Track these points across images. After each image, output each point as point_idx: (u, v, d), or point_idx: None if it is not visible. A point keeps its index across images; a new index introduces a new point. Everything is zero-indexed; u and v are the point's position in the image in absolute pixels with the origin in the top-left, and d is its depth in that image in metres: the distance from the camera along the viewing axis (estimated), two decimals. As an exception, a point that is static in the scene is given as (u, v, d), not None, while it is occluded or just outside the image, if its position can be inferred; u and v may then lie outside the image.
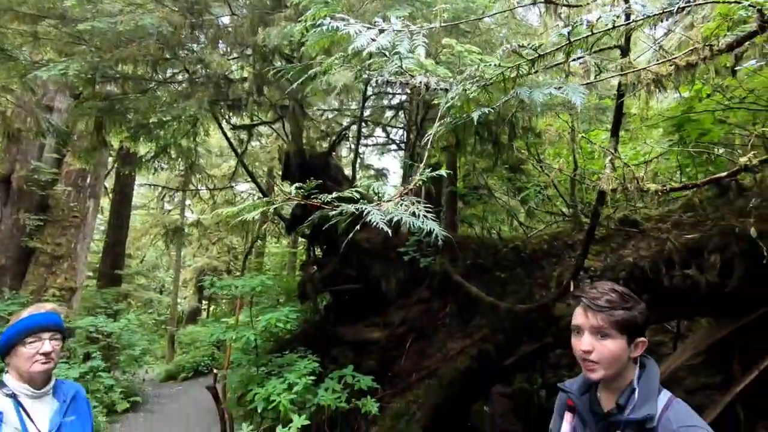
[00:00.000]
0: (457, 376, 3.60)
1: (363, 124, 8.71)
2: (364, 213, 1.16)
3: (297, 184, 1.38)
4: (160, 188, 13.97)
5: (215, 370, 3.93)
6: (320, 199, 1.28)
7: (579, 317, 1.34)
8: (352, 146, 9.15)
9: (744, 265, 3.13)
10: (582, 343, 1.30)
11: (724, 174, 2.11)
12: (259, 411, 2.59)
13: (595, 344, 1.28)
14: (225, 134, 5.73)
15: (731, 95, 5.35)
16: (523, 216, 6.46)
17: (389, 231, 1.29)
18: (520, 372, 5.21)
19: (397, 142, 9.83)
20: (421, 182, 1.37)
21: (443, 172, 1.39)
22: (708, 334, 3.70)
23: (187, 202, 17.06)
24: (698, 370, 4.12)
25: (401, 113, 8.92)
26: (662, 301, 3.36)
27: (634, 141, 6.75)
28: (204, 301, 22.02)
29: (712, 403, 3.49)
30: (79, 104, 5.20)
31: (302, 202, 1.40)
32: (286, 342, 4.68)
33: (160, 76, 4.78)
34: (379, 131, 10.36)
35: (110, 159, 11.23)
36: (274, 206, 1.53)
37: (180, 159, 8.10)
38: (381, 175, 9.99)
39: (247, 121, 6.13)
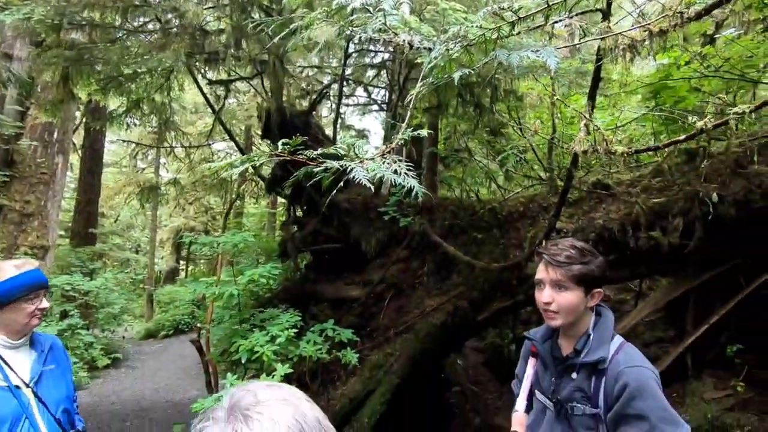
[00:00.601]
0: (433, 331, 3.78)
1: (344, 83, 8.52)
2: (348, 170, 1.19)
3: (283, 140, 1.39)
4: (132, 145, 13.48)
5: (198, 325, 4.00)
6: (305, 155, 1.30)
7: (541, 272, 1.45)
8: (334, 106, 8.98)
9: (704, 228, 3.33)
10: (543, 295, 1.43)
11: (683, 137, 2.21)
12: (243, 362, 2.69)
13: (554, 296, 1.40)
14: (201, 89, 5.53)
15: (708, 64, 5.46)
16: (502, 179, 6.59)
17: (372, 188, 1.33)
18: (492, 327, 5.50)
19: (379, 102, 9.68)
20: (402, 142, 1.39)
21: (424, 132, 1.41)
22: (666, 293, 3.97)
23: (162, 160, 16.58)
24: (656, 325, 4.44)
25: (383, 73, 8.74)
26: (627, 261, 3.56)
27: (613, 107, 6.86)
28: (182, 262, 21.90)
29: (665, 354, 3.80)
30: (42, 53, 4.89)
31: (286, 158, 1.41)
32: (267, 300, 4.77)
33: (130, 25, 4.52)
34: (360, 91, 10.16)
35: (78, 113, 10.72)
36: (260, 162, 1.54)
37: (153, 115, 7.80)
38: (362, 135, 9.89)
39: (224, 76, 5.91)
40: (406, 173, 1.20)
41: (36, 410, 1.71)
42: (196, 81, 5.40)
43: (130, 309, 13.70)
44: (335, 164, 1.24)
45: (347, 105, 10.81)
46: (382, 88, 9.35)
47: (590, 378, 1.38)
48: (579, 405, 1.39)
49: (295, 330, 3.08)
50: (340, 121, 8.39)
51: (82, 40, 4.90)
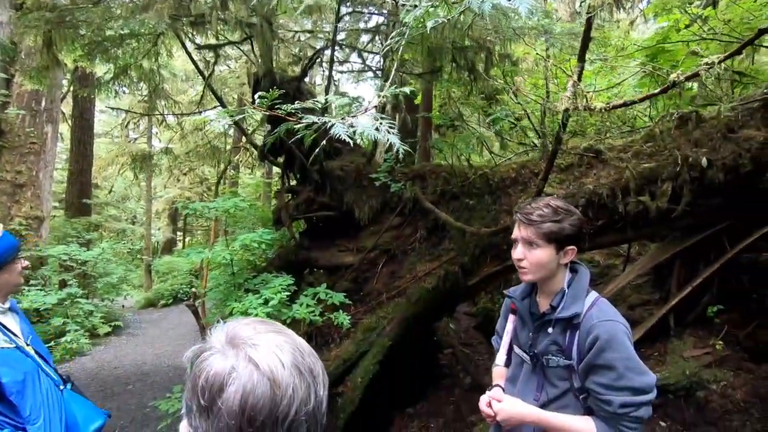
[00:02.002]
0: (425, 295, 3.87)
1: (337, 47, 8.30)
2: (329, 126, 1.19)
3: (260, 93, 1.37)
4: (123, 115, 13.25)
5: (194, 290, 4.07)
6: (283, 109, 1.29)
7: (515, 231, 1.49)
8: (326, 73, 8.78)
9: (691, 192, 3.36)
10: (516, 252, 1.47)
11: (657, 91, 2.22)
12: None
13: (525, 253, 1.44)
14: (189, 55, 5.38)
15: (708, 27, 5.35)
16: (495, 146, 6.55)
17: (365, 155, 1.33)
18: (484, 292, 5.62)
19: (374, 69, 9.47)
20: (386, 102, 1.39)
21: (407, 89, 1.40)
22: (653, 257, 4.05)
23: (154, 130, 16.34)
24: (643, 288, 4.55)
25: (378, 38, 8.51)
26: (616, 225, 3.61)
27: (612, 72, 6.76)
28: (179, 232, 21.97)
29: (650, 316, 3.91)
30: (23, 15, 4.74)
31: (268, 113, 1.40)
32: (262, 270, 4.84)
33: (112, -15, 4.36)
34: (354, 57, 9.91)
35: (65, 81, 10.47)
36: (239, 117, 1.53)
37: (142, 82, 7.64)
38: (375, 128, 9.72)
39: (212, 41, 5.75)
40: (387, 131, 1.21)
41: (43, 364, 1.80)
42: (183, 46, 5.25)
43: (129, 279, 13.84)
44: (314, 119, 1.24)
45: (341, 72, 10.57)
46: (377, 53, 9.13)
47: (565, 332, 1.44)
48: (554, 357, 1.45)
49: (288, 294, 3.14)
50: (333, 87, 8.23)
51: (64, 2, 4.74)
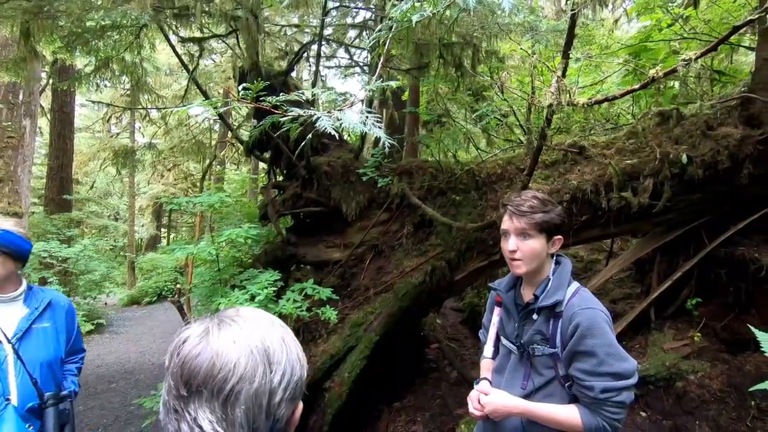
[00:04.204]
0: (412, 290, 3.88)
1: (324, 43, 8.24)
2: (314, 119, 1.19)
3: (244, 84, 1.36)
4: (105, 108, 12.95)
5: (179, 286, 4.02)
6: (268, 101, 1.28)
7: (506, 223, 1.51)
8: (313, 68, 8.71)
9: (672, 188, 3.44)
10: (509, 244, 1.49)
11: (637, 86, 2.27)
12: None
13: (519, 244, 1.47)
14: (173, 48, 5.28)
15: (689, 27, 5.47)
16: (482, 143, 6.60)
17: (338, 138, 1.33)
18: (471, 288, 5.67)
19: (361, 64, 9.44)
20: (372, 93, 1.39)
21: (392, 82, 1.41)
22: (634, 252, 4.13)
23: (137, 125, 16.03)
24: (624, 282, 4.64)
25: (365, 33, 8.48)
26: (598, 221, 3.67)
27: (596, 70, 6.86)
28: (163, 229, 21.64)
29: (631, 309, 4.00)
30: (-2, 5, 4.59)
31: (248, 105, 1.39)
32: (249, 266, 4.80)
33: (92, -25, 4.25)
34: (342, 52, 9.86)
35: (44, 74, 10.19)
36: (223, 108, 1.51)
37: (125, 75, 7.48)
38: (362, 122, 9.69)
39: (197, 34, 5.65)
40: (374, 125, 1.21)
41: (11, 366, 1.71)
42: (167, 38, 5.16)
43: (112, 276, 13.60)
44: (300, 111, 1.23)
45: (328, 67, 10.51)
46: (364, 49, 9.09)
47: (548, 321, 1.47)
48: (539, 346, 1.48)
49: (275, 289, 3.12)
50: (320, 83, 8.18)
51: (41, -9, 4.61)
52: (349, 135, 7.71)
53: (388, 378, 4.23)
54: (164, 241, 20.88)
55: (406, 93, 6.79)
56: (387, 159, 4.63)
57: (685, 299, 3.74)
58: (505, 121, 6.10)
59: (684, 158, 3.37)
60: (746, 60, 5.87)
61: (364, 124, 1.22)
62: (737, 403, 2.96)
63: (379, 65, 1.56)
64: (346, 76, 10.08)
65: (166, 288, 12.57)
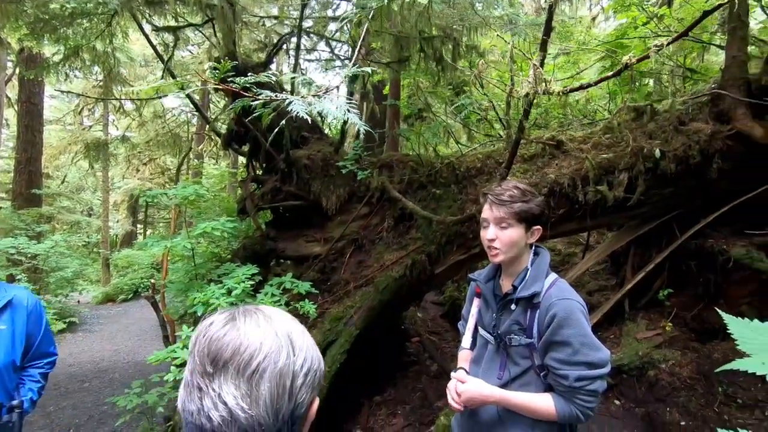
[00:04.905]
0: (392, 284, 3.88)
1: (305, 35, 8.12)
2: (287, 103, 1.16)
3: (210, 63, 1.31)
4: (76, 100, 12.51)
5: (153, 281, 3.92)
6: (238, 83, 1.23)
7: (486, 212, 1.51)
8: (293, 61, 8.59)
9: (645, 182, 3.52)
10: (488, 233, 1.49)
11: (610, 74, 2.31)
12: (199, 315, 2.69)
13: (498, 233, 1.47)
14: (147, 37, 5.12)
15: (664, 25, 5.60)
16: (463, 138, 6.64)
17: (318, 131, 1.30)
18: (450, 281, 5.71)
19: (342, 58, 9.35)
20: (348, 78, 1.36)
21: (368, 69, 1.38)
22: (610, 245, 4.22)
23: (111, 117, 15.54)
24: (600, 275, 4.75)
25: (346, 26, 8.39)
26: (575, 214, 3.73)
27: (574, 66, 6.97)
28: (139, 225, 21.11)
29: (606, 300, 4.09)
30: (-42, -12, 4.36)
31: (228, 89, 1.34)
32: (226, 261, 4.72)
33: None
34: (322, 45, 9.75)
35: (10, 62, 9.77)
36: (191, 90, 1.46)
37: (96, 65, 7.23)
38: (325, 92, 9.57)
39: (171, 23, 5.49)
40: (348, 110, 1.18)
41: None
42: (140, 27, 4.99)
43: (85, 273, 13.21)
44: (271, 94, 1.20)
45: (309, 60, 10.38)
46: (345, 43, 9.01)
47: (526, 311, 1.48)
48: (516, 336, 1.49)
49: (252, 283, 3.07)
50: (301, 77, 8.06)
51: (4, -25, 4.39)
52: (329, 129, 7.64)
53: (368, 372, 4.23)
54: (140, 238, 20.36)
55: (387, 87, 6.77)
56: (368, 153, 4.60)
57: (658, 290, 3.84)
58: (485, 115, 6.15)
59: (657, 153, 3.45)
60: (717, 60, 6.05)
61: (339, 108, 1.19)
62: (706, 390, 3.07)
63: (357, 48, 1.53)
64: (326, 69, 9.98)
65: (142, 285, 12.26)
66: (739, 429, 0.56)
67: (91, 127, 15.71)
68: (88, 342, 7.68)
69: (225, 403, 0.58)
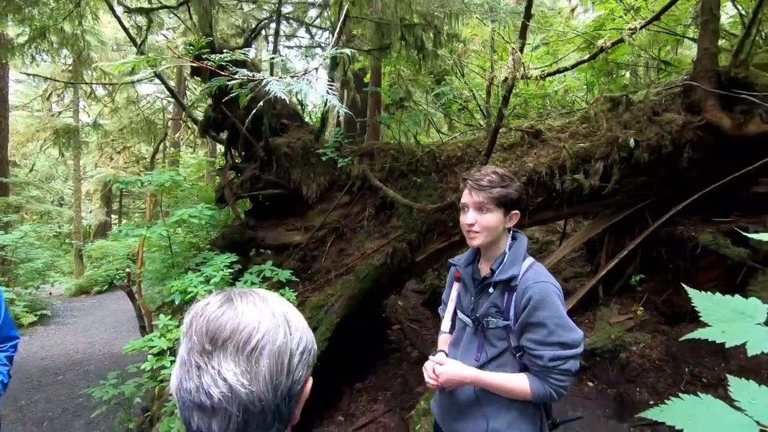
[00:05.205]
0: (373, 272, 3.89)
1: (284, 21, 7.95)
2: (263, 83, 1.13)
3: (184, 39, 1.28)
4: (44, 84, 11.99)
5: (128, 269, 3.83)
6: (212, 60, 1.20)
7: (465, 197, 1.53)
8: (272, 47, 8.42)
9: (620, 171, 3.61)
10: (467, 217, 1.51)
11: (587, 57, 2.36)
12: (176, 303, 2.64)
13: (477, 218, 1.49)
14: (118, 19, 4.91)
15: (641, 17, 5.71)
16: (445, 127, 6.66)
17: (298, 118, 1.28)
18: (431, 268, 5.76)
19: (323, 45, 9.22)
20: (327, 59, 1.34)
21: (348, 51, 1.36)
22: (585, 233, 4.33)
23: (81, 103, 14.96)
24: (576, 262, 4.87)
25: (326, 12, 8.26)
26: (553, 202, 3.80)
27: (553, 57, 7.06)
28: (113, 215, 20.53)
29: (582, 287, 4.20)
30: None
31: (203, 66, 1.31)
32: (207, 251, 4.64)
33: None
34: (302, 32, 9.58)
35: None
36: (163, 68, 1.42)
37: (65, 48, 6.94)
38: (310, 86, 9.45)
39: (144, 5, 5.30)
40: (328, 91, 1.17)
41: None
42: (111, 8, 4.80)
43: (57, 265, 12.80)
44: (246, 73, 1.17)
45: (288, 47, 10.19)
46: (326, 29, 8.87)
47: (504, 294, 1.50)
48: (493, 319, 1.52)
49: (231, 271, 3.04)
50: (283, 67, 7.91)
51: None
52: (310, 117, 7.55)
53: (350, 360, 4.25)
54: (115, 228, 19.81)
55: (369, 75, 6.72)
56: (349, 141, 4.57)
57: (630, 276, 3.97)
58: (466, 105, 6.18)
59: (632, 142, 3.53)
60: (690, 53, 6.22)
61: (318, 90, 1.17)
62: (673, 370, 3.20)
63: (337, 29, 1.51)
64: (307, 56, 9.82)
65: (117, 276, 11.97)
66: (699, 393, 0.59)
67: (60, 113, 15.10)
68: (61, 335, 7.47)
69: (225, 380, 0.59)
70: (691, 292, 0.73)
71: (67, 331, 7.71)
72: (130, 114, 11.50)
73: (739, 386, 0.57)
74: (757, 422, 0.49)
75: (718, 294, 0.70)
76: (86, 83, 8.25)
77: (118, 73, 11.20)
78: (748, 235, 0.79)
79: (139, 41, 5.61)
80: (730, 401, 0.56)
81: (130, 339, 6.47)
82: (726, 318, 0.63)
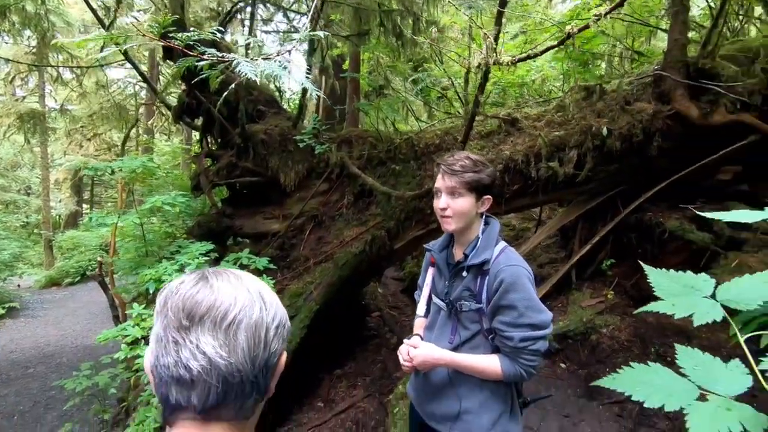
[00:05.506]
0: (352, 259, 3.90)
1: (261, 5, 7.76)
2: (234, 64, 1.11)
3: (151, 16, 1.24)
4: (6, 68, 11.41)
5: (100, 259, 3.73)
6: (180, 39, 1.17)
7: (438, 181, 1.54)
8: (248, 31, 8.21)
9: (593, 159, 3.70)
10: (440, 202, 1.53)
11: (556, 43, 2.41)
12: (151, 292, 2.59)
13: (449, 202, 1.50)
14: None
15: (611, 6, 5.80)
16: (425, 116, 6.67)
17: (276, 105, 1.26)
18: (410, 256, 5.81)
19: (300, 30, 9.03)
20: (302, 42, 1.32)
21: (321, 33, 1.34)
22: (560, 220, 4.43)
23: (47, 87, 14.33)
24: (550, 248, 4.99)
25: (304, -3, 8.08)
26: (528, 190, 3.87)
27: (529, 44, 7.13)
28: (84, 205, 19.88)
29: (556, 272, 4.32)
30: None
31: (168, 45, 1.27)
32: (181, 240, 4.55)
33: None
34: (280, 17, 9.37)
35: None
36: (127, 46, 1.37)
37: (28, 28, 6.62)
38: (283, 67, 9.26)
39: (112, -16, 5.07)
40: (306, 76, 1.15)
41: None
42: (76, -13, 4.58)
43: (25, 256, 12.36)
44: (216, 53, 1.14)
45: (266, 32, 9.96)
46: (304, 14, 8.70)
47: (476, 278, 1.53)
48: (466, 302, 1.55)
49: (208, 259, 2.99)
50: (257, 49, 7.73)
51: None
52: (288, 103, 7.43)
53: (329, 347, 4.28)
54: (87, 218, 19.18)
55: (347, 62, 6.64)
56: (327, 127, 4.53)
57: (601, 261, 4.09)
58: (444, 93, 6.19)
59: (604, 131, 3.62)
60: (663, 45, 6.37)
61: (291, 72, 1.16)
62: (641, 351, 3.34)
63: (313, 6, 1.48)
64: (284, 42, 9.62)
65: (90, 267, 11.64)
66: (649, 363, 0.63)
67: (24, 97, 14.43)
68: (31, 327, 7.25)
69: (204, 353, 0.60)
70: (648, 269, 0.76)
71: (38, 324, 7.49)
72: (100, 99, 11.08)
73: (684, 354, 0.60)
74: (699, 387, 0.53)
75: (672, 270, 0.73)
76: (52, 66, 7.90)
77: (86, 55, 10.75)
78: (706, 215, 0.83)
79: (107, 22, 5.39)
80: (677, 368, 0.59)
81: (104, 330, 6.35)
82: (678, 292, 0.66)
